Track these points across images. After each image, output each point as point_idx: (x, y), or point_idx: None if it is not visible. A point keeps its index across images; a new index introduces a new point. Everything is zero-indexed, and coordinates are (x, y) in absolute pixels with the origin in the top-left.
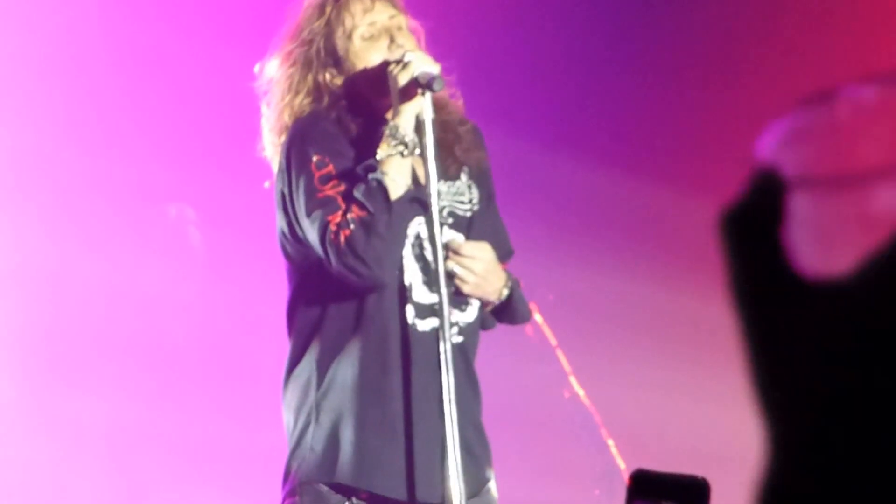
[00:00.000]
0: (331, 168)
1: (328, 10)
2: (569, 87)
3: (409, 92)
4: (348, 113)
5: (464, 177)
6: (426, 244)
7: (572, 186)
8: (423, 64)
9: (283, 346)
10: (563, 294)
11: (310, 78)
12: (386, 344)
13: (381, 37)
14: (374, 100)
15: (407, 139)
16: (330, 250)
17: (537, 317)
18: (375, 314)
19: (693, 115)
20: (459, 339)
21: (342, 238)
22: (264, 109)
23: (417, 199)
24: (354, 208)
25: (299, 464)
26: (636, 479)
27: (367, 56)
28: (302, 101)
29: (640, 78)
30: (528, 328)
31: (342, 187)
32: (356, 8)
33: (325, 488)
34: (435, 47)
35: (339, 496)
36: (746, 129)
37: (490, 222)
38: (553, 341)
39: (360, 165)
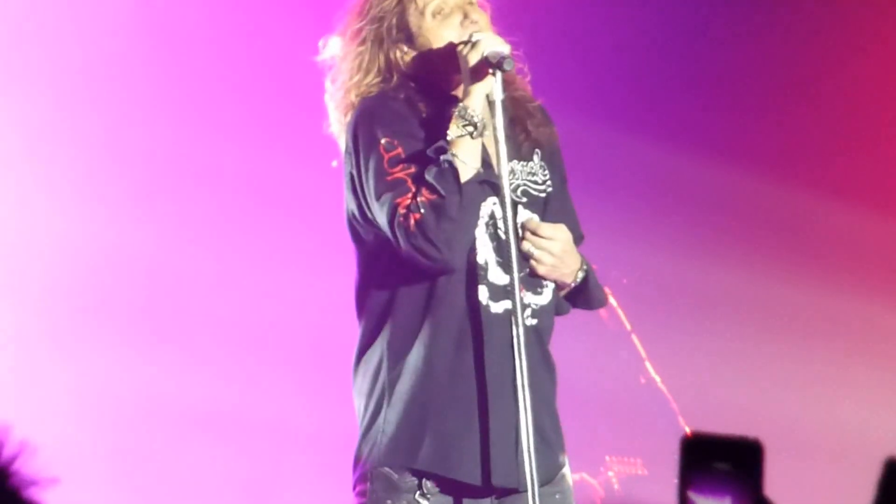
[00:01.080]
0: (400, 150)
1: None
2: (649, 66)
3: (478, 72)
4: (417, 93)
5: (536, 158)
6: (501, 224)
7: (647, 169)
8: (493, 43)
9: (352, 331)
10: (637, 278)
11: (381, 56)
12: (458, 325)
13: (453, 13)
14: (443, 79)
15: (476, 120)
16: (399, 233)
17: (612, 301)
18: (447, 295)
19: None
20: (533, 321)
21: (412, 221)
22: (328, 86)
23: (488, 181)
24: (424, 191)
25: (370, 449)
26: (689, 442)
27: (439, 33)
28: (371, 81)
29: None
30: (602, 312)
31: (412, 169)
32: None
33: (396, 474)
34: (502, 21)
35: (411, 481)
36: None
37: (563, 205)
38: (628, 326)
39: (429, 148)
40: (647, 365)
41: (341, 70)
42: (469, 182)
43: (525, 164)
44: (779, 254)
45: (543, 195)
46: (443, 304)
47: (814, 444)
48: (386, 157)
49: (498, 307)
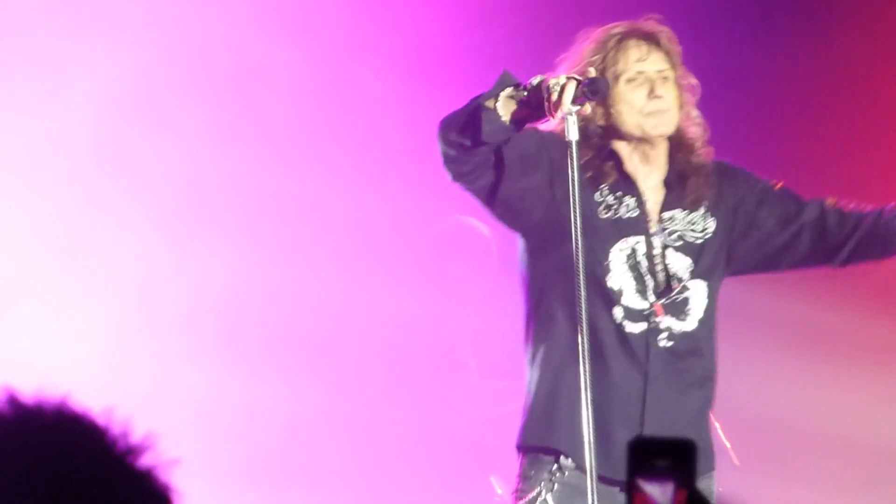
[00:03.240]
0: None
1: (608, 47)
2: None
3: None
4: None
5: (702, 209)
6: (641, 258)
7: None
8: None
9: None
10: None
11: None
12: (596, 340)
13: (643, 85)
14: (611, 140)
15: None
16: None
17: None
18: (588, 313)
19: None
20: (668, 343)
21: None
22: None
23: (640, 222)
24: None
25: (522, 428)
26: (634, 442)
27: (627, 97)
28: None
29: None
30: None
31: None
32: (631, 54)
33: (539, 453)
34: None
35: (549, 458)
36: None
37: (784, 196)
38: None
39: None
40: None
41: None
42: (616, 219)
43: (687, 213)
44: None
45: (699, 241)
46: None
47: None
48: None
49: (633, 327)
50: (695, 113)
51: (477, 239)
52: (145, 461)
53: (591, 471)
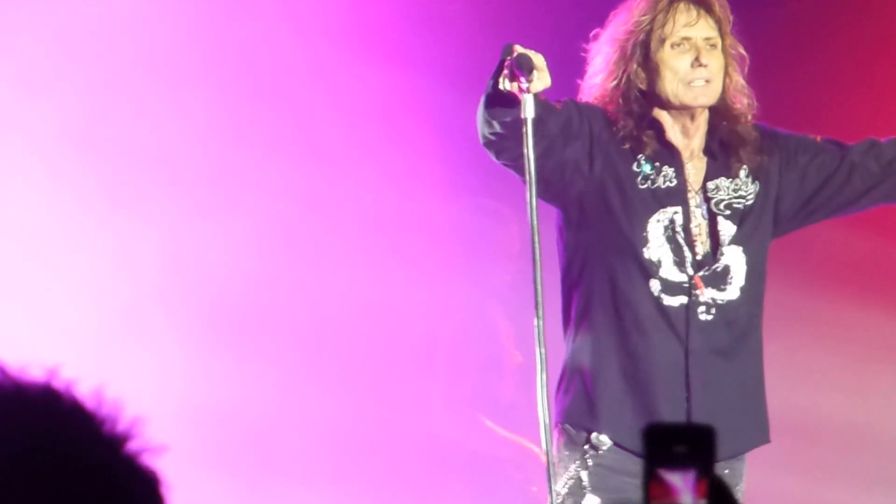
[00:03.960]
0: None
1: (658, 9)
2: None
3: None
4: (632, 124)
5: (743, 174)
6: (679, 229)
7: None
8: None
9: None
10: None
11: (621, 68)
12: (634, 314)
13: (689, 51)
14: (652, 108)
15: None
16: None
17: None
18: (625, 287)
19: None
20: (708, 317)
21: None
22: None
23: (679, 193)
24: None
25: (563, 408)
26: (650, 428)
27: (670, 63)
28: (610, 86)
29: None
30: None
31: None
32: (680, 18)
33: (572, 430)
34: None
35: (582, 436)
36: None
37: (815, 145)
38: None
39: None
40: None
41: (595, 65)
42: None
43: (731, 180)
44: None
45: (744, 207)
46: (621, 294)
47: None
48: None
49: (672, 300)
50: (742, 82)
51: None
52: (132, 446)
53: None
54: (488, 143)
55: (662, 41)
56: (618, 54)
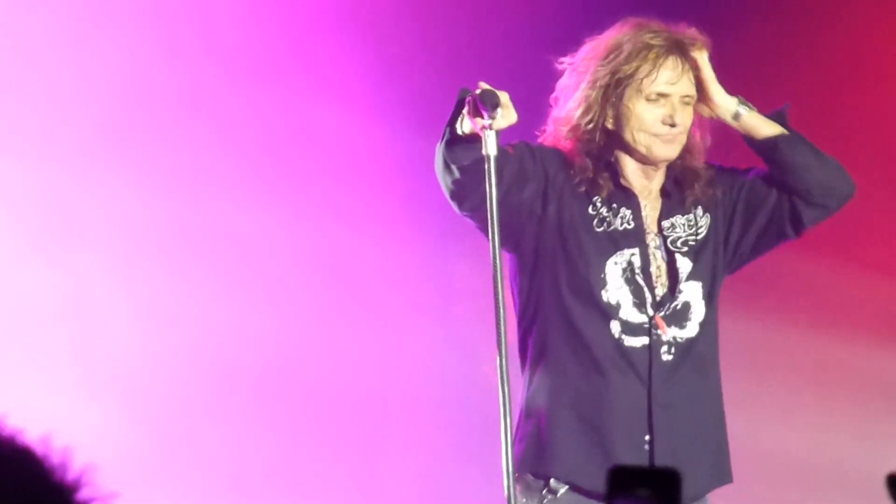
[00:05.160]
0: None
1: (644, 57)
2: None
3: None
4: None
5: (695, 208)
6: (638, 271)
7: None
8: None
9: None
10: None
11: (596, 107)
12: (593, 356)
13: (663, 107)
14: (614, 149)
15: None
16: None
17: None
18: (585, 329)
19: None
20: (670, 357)
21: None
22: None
23: (636, 234)
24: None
25: (518, 456)
26: (614, 470)
27: (642, 115)
28: (583, 121)
29: None
30: None
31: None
32: (664, 74)
33: (531, 478)
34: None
35: (540, 483)
36: None
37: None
38: None
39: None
40: None
41: (566, 99)
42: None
43: (685, 216)
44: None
45: (697, 243)
46: (580, 337)
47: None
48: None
49: (634, 341)
50: (706, 124)
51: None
52: (83, 495)
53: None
54: (452, 194)
55: (640, 91)
56: (595, 92)
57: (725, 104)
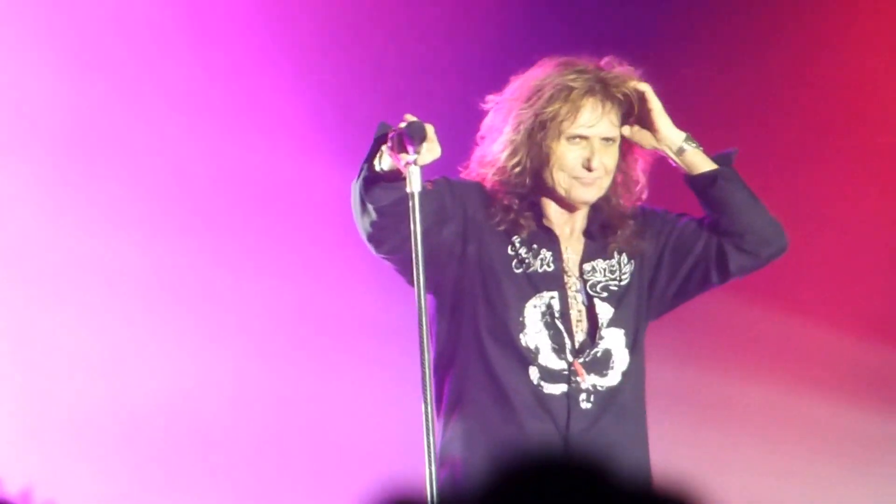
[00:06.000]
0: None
1: (564, 98)
2: None
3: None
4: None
5: (618, 254)
6: (557, 314)
7: None
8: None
9: None
10: None
11: (521, 149)
12: (507, 400)
13: (584, 149)
14: (536, 190)
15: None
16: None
17: None
18: (503, 375)
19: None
20: (588, 405)
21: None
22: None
23: (555, 277)
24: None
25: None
26: None
27: (561, 157)
28: (509, 164)
29: None
30: None
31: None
32: (583, 116)
33: None
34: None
35: None
36: None
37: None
38: None
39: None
40: None
41: (491, 134)
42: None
43: (607, 261)
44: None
45: (620, 289)
46: (497, 382)
47: None
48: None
49: (553, 388)
50: (636, 165)
51: None
52: None
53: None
54: (370, 236)
55: (560, 133)
56: (519, 136)
57: (672, 137)
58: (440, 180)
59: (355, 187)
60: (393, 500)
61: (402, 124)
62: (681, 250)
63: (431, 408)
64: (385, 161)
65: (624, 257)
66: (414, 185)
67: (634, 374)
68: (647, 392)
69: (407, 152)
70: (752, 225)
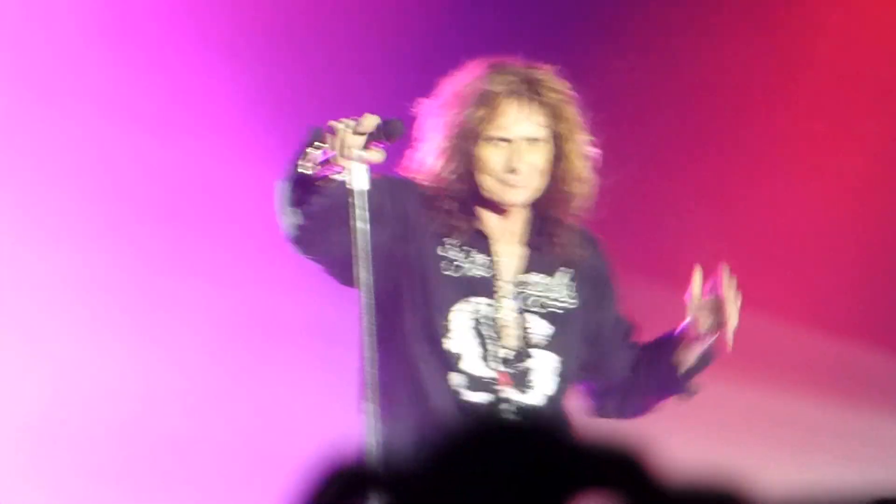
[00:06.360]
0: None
1: (485, 102)
2: None
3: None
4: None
5: (560, 276)
6: (486, 321)
7: None
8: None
9: None
10: None
11: (455, 155)
12: (427, 406)
13: (506, 151)
14: (473, 194)
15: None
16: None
17: None
18: (426, 379)
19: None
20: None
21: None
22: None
23: (486, 281)
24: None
25: None
26: None
27: (486, 160)
28: (445, 171)
29: None
30: None
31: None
32: (502, 118)
33: None
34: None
35: None
36: None
37: (589, 324)
38: None
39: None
40: None
41: (427, 146)
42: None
43: (549, 276)
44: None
45: (561, 312)
46: (419, 387)
47: None
48: None
49: (474, 396)
50: (577, 171)
51: None
52: None
53: None
54: (296, 238)
55: (483, 137)
56: (450, 141)
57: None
58: (381, 181)
59: (283, 188)
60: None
61: (376, 121)
62: (593, 337)
63: (377, 408)
64: (310, 161)
65: (567, 278)
66: (362, 182)
67: (559, 400)
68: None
69: (370, 148)
70: (636, 406)
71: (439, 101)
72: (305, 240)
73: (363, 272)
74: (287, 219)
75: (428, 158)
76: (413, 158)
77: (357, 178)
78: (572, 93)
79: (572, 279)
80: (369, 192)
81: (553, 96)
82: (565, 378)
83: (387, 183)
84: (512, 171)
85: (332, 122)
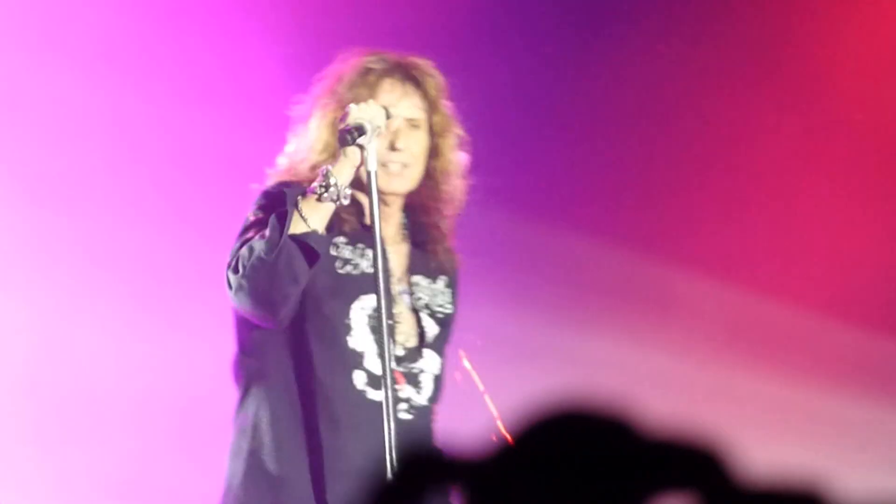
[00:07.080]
0: (263, 215)
1: (361, 83)
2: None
3: (342, 139)
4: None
5: (441, 282)
6: (383, 319)
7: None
8: (359, 115)
9: None
10: (491, 340)
11: (334, 144)
12: (330, 405)
13: (386, 133)
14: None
15: (332, 182)
16: (227, 272)
17: (466, 363)
18: (326, 377)
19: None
20: (408, 416)
21: (234, 259)
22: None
23: (366, 275)
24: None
25: None
26: None
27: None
28: (320, 160)
29: None
30: (457, 374)
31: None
32: (382, 98)
33: None
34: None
35: None
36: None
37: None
38: (481, 387)
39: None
40: (499, 423)
41: (300, 133)
42: (296, 236)
43: (431, 281)
44: (638, 321)
45: (442, 316)
46: (321, 386)
47: None
48: (252, 218)
49: (377, 395)
50: (452, 168)
51: None
52: None
53: None
54: (279, 304)
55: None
56: (326, 127)
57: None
58: (263, 203)
59: (275, 262)
60: None
61: (349, 125)
62: None
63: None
64: (317, 218)
65: (443, 284)
66: (371, 164)
67: (434, 407)
68: (641, 382)
69: (357, 146)
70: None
71: (313, 92)
72: (287, 305)
73: (377, 260)
74: (279, 290)
75: (302, 150)
76: (284, 154)
77: (373, 158)
78: (448, 85)
79: (447, 285)
80: (265, 217)
81: (431, 82)
82: (442, 384)
83: (266, 199)
84: (394, 149)
85: (358, 118)
